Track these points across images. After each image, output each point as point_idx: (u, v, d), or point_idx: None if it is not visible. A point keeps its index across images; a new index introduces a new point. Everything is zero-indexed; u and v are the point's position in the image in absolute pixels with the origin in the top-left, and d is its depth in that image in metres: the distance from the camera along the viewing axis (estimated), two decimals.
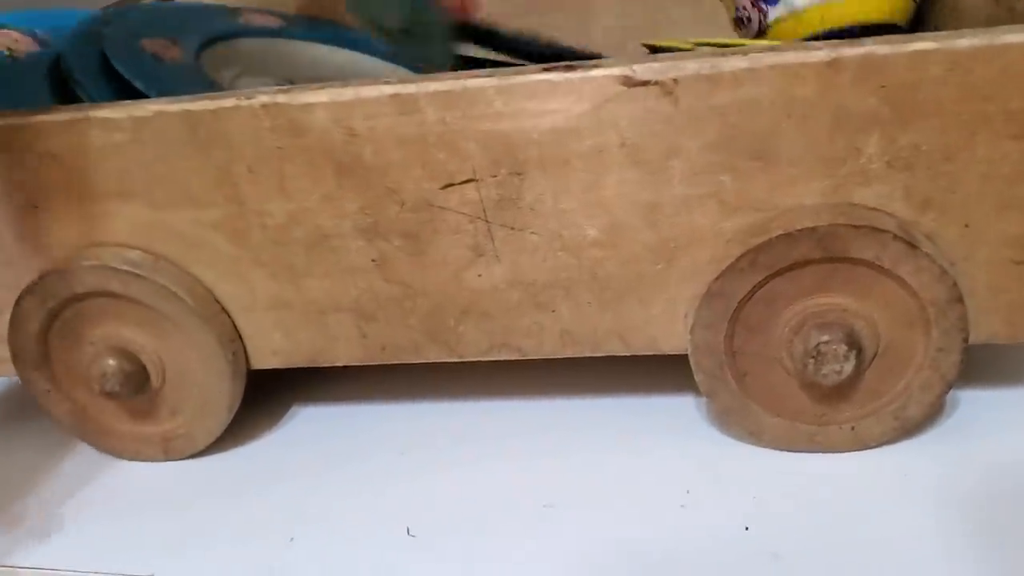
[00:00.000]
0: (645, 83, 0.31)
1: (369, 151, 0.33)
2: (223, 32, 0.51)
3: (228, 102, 0.33)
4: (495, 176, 0.33)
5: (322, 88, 0.33)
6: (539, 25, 0.58)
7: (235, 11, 0.54)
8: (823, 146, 0.31)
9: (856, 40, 0.30)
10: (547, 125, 0.32)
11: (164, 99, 0.34)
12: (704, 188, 0.32)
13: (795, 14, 0.44)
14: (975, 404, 0.36)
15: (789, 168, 0.32)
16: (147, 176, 0.35)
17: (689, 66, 0.31)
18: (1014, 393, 0.37)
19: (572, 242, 0.34)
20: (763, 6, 0.45)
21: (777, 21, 0.45)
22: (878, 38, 0.30)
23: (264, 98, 0.33)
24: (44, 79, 0.43)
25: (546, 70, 0.32)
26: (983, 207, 0.32)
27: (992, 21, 0.39)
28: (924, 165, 0.31)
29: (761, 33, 0.47)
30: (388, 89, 0.32)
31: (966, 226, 0.32)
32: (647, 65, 0.31)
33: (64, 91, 0.43)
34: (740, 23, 0.48)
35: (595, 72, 0.31)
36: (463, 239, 0.34)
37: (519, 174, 0.33)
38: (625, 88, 0.31)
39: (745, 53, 0.31)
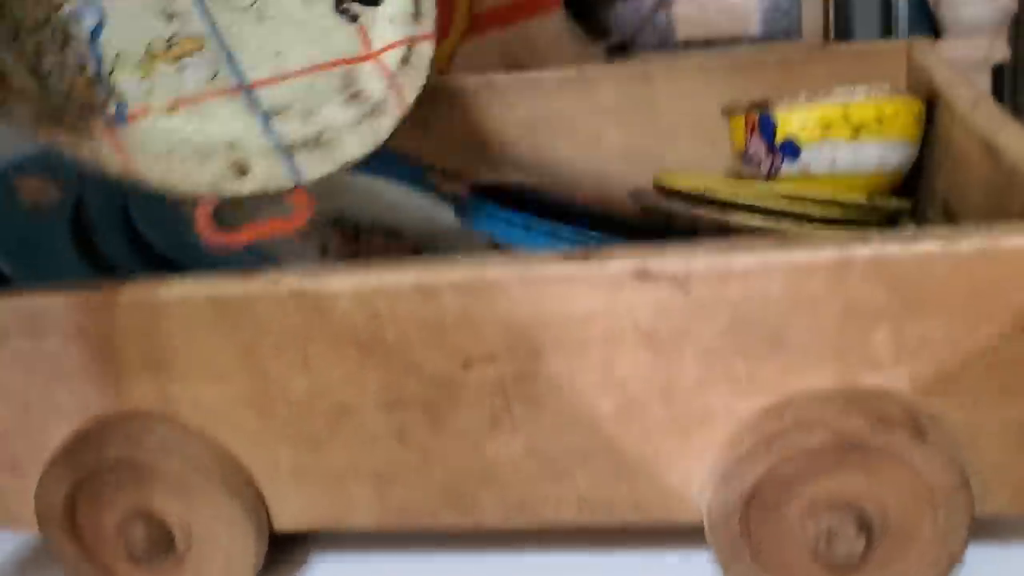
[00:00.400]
0: (657, 276, 0.32)
1: (391, 333, 0.34)
2: None
3: (255, 286, 0.34)
4: (513, 356, 0.34)
5: (347, 273, 0.34)
6: (547, 149, 0.60)
7: None
8: (833, 336, 0.32)
9: (865, 236, 0.32)
10: (564, 311, 0.33)
11: (191, 280, 0.35)
12: (717, 371, 0.33)
13: (807, 175, 0.45)
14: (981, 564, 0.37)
15: (800, 355, 0.33)
16: (174, 351, 0.36)
17: (700, 261, 0.32)
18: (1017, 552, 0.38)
19: (588, 417, 0.35)
20: (779, 159, 0.46)
21: (789, 175, 0.46)
22: (886, 236, 0.31)
23: (291, 283, 0.34)
24: (67, 232, 0.44)
25: (563, 259, 0.33)
26: (988, 393, 0.33)
27: (987, 176, 0.40)
28: (931, 354, 0.32)
29: (768, 177, 0.48)
30: (410, 277, 0.34)
31: (973, 411, 0.33)
32: (660, 259, 0.32)
33: (88, 243, 0.44)
34: (748, 160, 0.50)
35: (611, 264, 0.33)
36: (482, 412, 0.35)
37: (537, 354, 0.34)
38: (638, 280, 0.32)
39: (754, 249, 0.32)
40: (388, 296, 0.34)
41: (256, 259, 0.45)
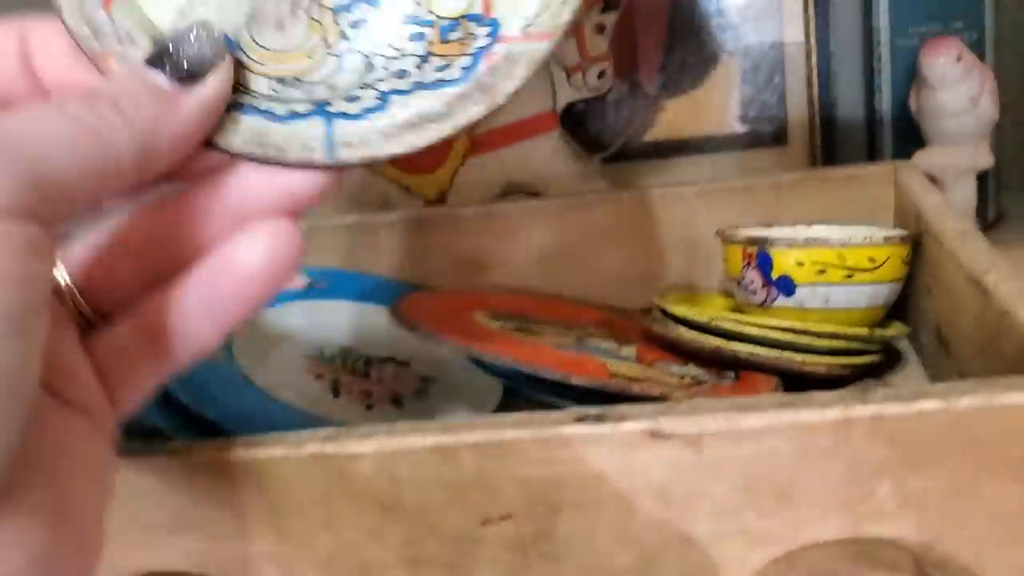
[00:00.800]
0: (670, 436, 0.34)
1: (412, 493, 0.36)
2: None
3: (278, 451, 0.36)
4: (531, 514, 0.35)
5: (368, 437, 0.35)
6: (547, 272, 0.61)
7: None
8: (839, 489, 0.34)
9: (866, 396, 0.33)
10: (580, 471, 0.34)
11: (218, 443, 0.36)
12: (730, 525, 0.35)
13: (801, 310, 0.47)
14: None
15: (808, 508, 0.34)
16: (199, 511, 0.37)
17: (711, 423, 0.33)
18: None
19: (606, 569, 0.36)
20: (774, 292, 0.47)
21: (783, 307, 0.48)
22: (887, 394, 0.33)
23: (312, 448, 0.35)
24: None
25: (578, 420, 0.34)
26: (990, 541, 0.34)
27: (978, 311, 0.42)
28: (934, 505, 0.33)
29: (763, 306, 0.50)
30: (430, 440, 0.35)
31: (977, 558, 0.34)
32: (672, 418, 0.34)
33: None
34: (743, 287, 0.51)
35: (624, 425, 0.34)
36: (501, 568, 0.36)
37: (554, 512, 0.35)
38: (651, 439, 0.34)
39: (762, 409, 0.33)
40: (408, 458, 0.35)
41: (280, 411, 0.46)
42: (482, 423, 0.35)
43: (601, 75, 0.76)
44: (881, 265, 0.47)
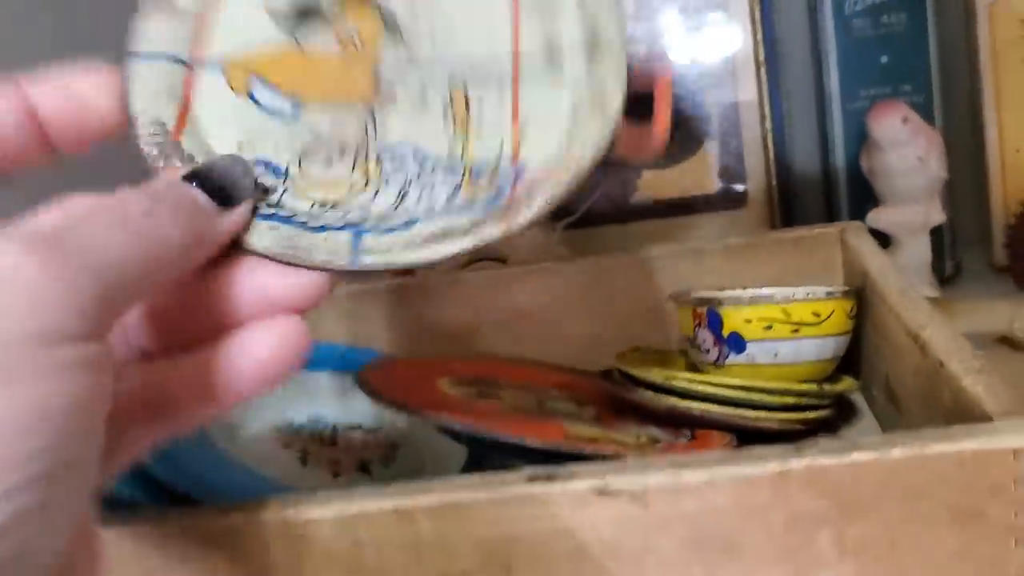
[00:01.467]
0: (617, 493, 0.35)
1: (372, 556, 0.37)
2: None
3: (237, 519, 0.37)
4: (486, 572, 0.36)
5: (328, 502, 0.36)
6: (512, 338, 0.63)
7: None
8: (781, 541, 0.35)
9: (802, 450, 0.34)
10: (533, 528, 0.36)
11: (184, 512, 0.37)
12: None
13: (753, 365, 0.48)
14: None
15: (753, 560, 0.35)
16: None
17: (655, 478, 0.35)
18: None
19: None
20: (726, 349, 0.49)
21: (735, 363, 0.49)
22: (823, 447, 0.34)
23: (274, 514, 0.37)
24: None
25: (529, 480, 0.36)
26: None
27: (917, 364, 0.43)
28: (872, 553, 0.35)
29: (716, 363, 0.51)
30: (388, 504, 0.36)
31: None
32: (618, 476, 0.35)
33: None
34: (696, 347, 0.53)
35: (573, 483, 0.35)
36: None
37: (508, 569, 0.36)
38: (599, 496, 0.35)
39: (705, 465, 0.34)
40: (368, 521, 0.36)
41: (250, 482, 0.47)
42: (438, 485, 0.36)
43: None
44: (826, 319, 0.48)
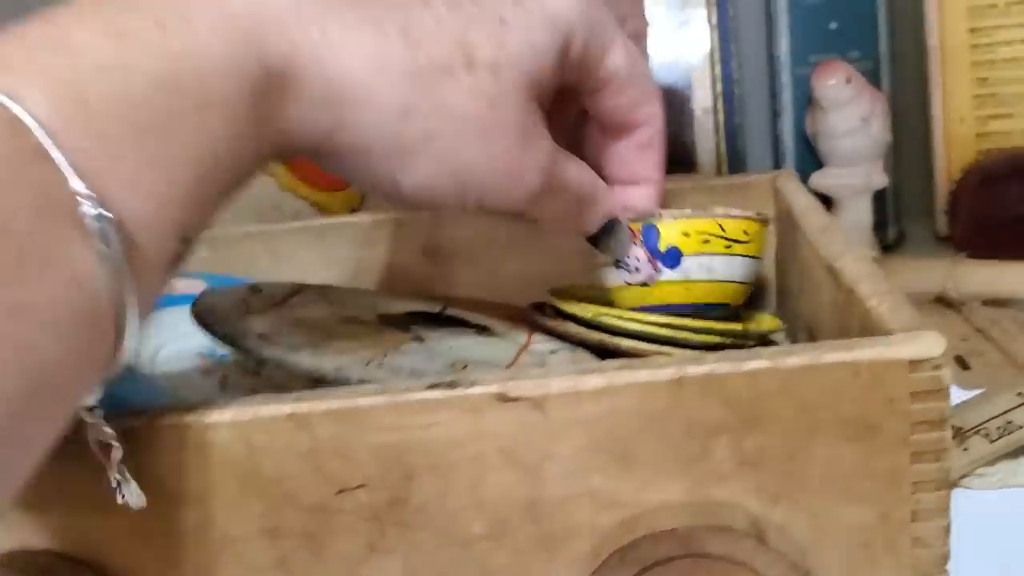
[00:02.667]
0: (517, 399, 0.35)
1: (269, 463, 0.36)
2: None
3: (133, 423, 0.36)
4: (385, 482, 0.36)
5: (225, 407, 0.36)
6: (448, 276, 0.62)
7: None
8: (679, 450, 0.35)
9: (700, 357, 0.34)
10: (432, 436, 0.35)
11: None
12: (578, 488, 0.36)
13: (686, 283, 0.48)
14: None
15: (651, 470, 0.35)
16: (62, 487, 0.37)
17: (555, 384, 0.34)
18: None
19: (461, 537, 0.37)
20: (659, 264, 0.48)
21: (669, 281, 0.48)
22: (720, 355, 0.34)
23: (171, 419, 0.36)
24: None
25: (430, 387, 0.35)
26: (827, 500, 0.35)
27: (832, 297, 0.43)
28: (771, 465, 0.35)
29: (647, 285, 0.50)
30: (285, 408, 0.36)
31: (815, 518, 0.35)
32: (517, 383, 0.35)
33: None
34: (624, 267, 0.51)
35: (473, 389, 0.35)
36: (358, 538, 0.37)
37: (408, 478, 0.36)
38: (500, 403, 0.35)
39: (603, 371, 0.34)
40: (264, 426, 0.36)
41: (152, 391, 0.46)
42: (336, 392, 0.36)
43: None
44: (753, 240, 0.48)
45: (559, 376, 0.35)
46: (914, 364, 0.33)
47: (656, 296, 0.50)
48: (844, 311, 0.42)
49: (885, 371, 0.33)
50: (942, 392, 0.34)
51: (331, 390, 0.36)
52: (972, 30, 0.80)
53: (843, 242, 0.45)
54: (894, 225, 0.84)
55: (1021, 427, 0.50)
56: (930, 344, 0.33)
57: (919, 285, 0.68)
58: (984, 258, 0.70)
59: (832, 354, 0.34)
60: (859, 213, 0.77)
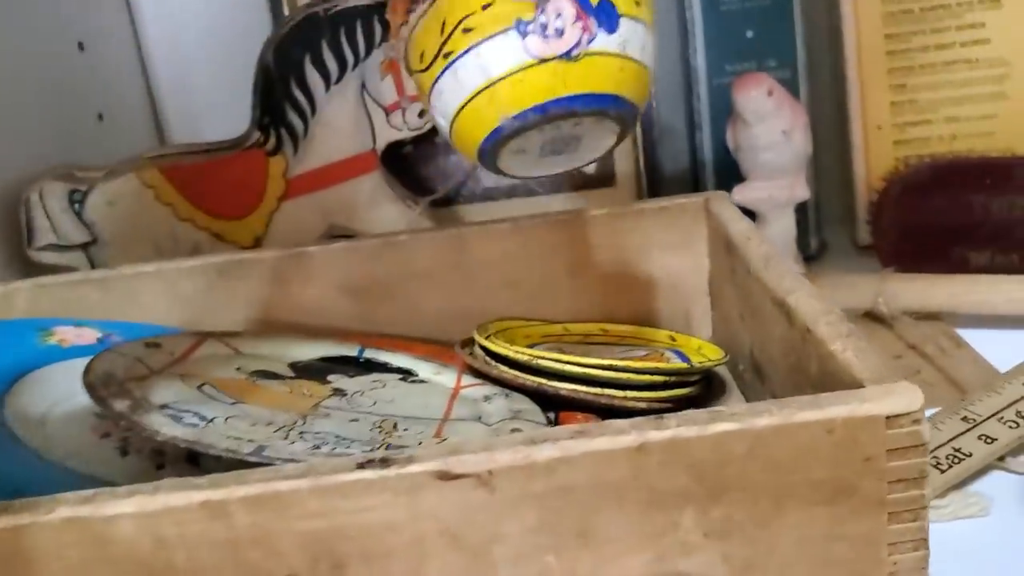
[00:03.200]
0: (459, 476, 0.31)
1: (181, 557, 0.32)
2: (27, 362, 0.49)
3: (24, 519, 0.31)
4: (314, 573, 0.32)
5: (129, 496, 0.32)
6: (372, 311, 0.58)
7: (47, 331, 0.53)
8: (641, 524, 0.32)
9: (662, 422, 0.31)
10: (364, 520, 0.32)
11: None
12: (529, 569, 0.32)
13: (623, 55, 0.38)
14: None
15: (611, 546, 0.32)
16: None
17: (502, 457, 0.31)
18: None
19: None
20: (595, 30, 0.37)
21: (601, 52, 0.38)
22: (683, 417, 0.31)
23: (65, 512, 0.31)
24: None
25: (360, 466, 0.31)
26: (800, 568, 0.32)
27: (783, 333, 0.41)
28: (739, 534, 0.32)
29: (567, 56, 0.38)
30: (197, 496, 0.31)
31: None
32: (459, 457, 0.31)
33: None
34: (535, 31, 0.37)
35: (410, 468, 0.31)
36: None
37: (339, 568, 0.32)
38: (440, 481, 0.31)
39: (555, 439, 0.31)
40: (174, 517, 0.31)
41: (56, 474, 0.41)
42: (255, 474, 0.32)
43: (422, 114, 0.74)
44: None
45: (506, 447, 0.31)
46: (891, 420, 0.31)
47: (573, 81, 0.37)
48: (799, 350, 0.39)
49: (861, 428, 0.31)
50: (921, 448, 0.31)
51: (249, 472, 0.32)
52: (888, 36, 0.79)
53: (791, 276, 0.42)
54: (815, 235, 0.83)
55: (970, 455, 0.48)
56: (909, 398, 0.31)
57: (847, 301, 0.67)
58: (908, 268, 0.69)
59: (803, 412, 0.31)
60: (783, 227, 0.75)
